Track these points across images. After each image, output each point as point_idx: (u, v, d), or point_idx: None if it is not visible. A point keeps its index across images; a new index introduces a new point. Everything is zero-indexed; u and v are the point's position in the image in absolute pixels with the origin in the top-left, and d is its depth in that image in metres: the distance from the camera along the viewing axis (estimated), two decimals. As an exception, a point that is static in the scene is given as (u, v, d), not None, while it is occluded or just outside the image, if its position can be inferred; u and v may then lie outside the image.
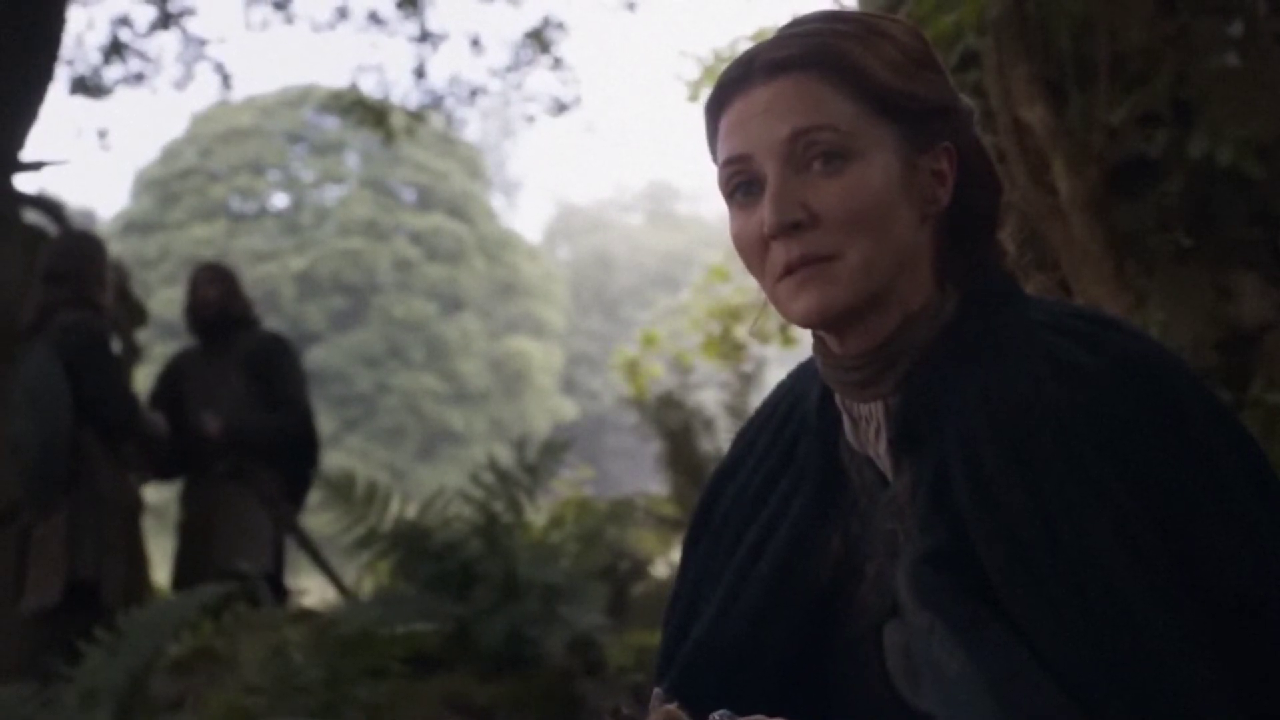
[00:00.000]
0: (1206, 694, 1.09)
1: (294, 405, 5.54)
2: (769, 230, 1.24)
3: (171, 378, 5.60)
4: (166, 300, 21.67)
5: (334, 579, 5.93)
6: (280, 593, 5.43)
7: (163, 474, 5.51)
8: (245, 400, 5.44)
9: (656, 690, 1.27)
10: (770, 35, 1.34)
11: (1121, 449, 1.17)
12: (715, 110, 1.31)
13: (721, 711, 1.17)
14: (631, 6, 10.35)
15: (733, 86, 1.29)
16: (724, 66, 1.32)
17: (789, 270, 1.24)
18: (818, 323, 1.27)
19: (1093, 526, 1.14)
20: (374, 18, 9.98)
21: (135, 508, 4.96)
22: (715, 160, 1.31)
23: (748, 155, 1.26)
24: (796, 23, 1.32)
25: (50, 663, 3.89)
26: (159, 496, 5.39)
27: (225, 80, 10.13)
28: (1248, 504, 1.17)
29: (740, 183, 1.28)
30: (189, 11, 9.65)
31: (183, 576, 5.31)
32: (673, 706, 1.22)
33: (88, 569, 4.58)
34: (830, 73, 1.25)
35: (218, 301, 5.54)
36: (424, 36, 10.01)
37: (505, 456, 4.87)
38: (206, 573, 4.66)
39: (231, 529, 5.30)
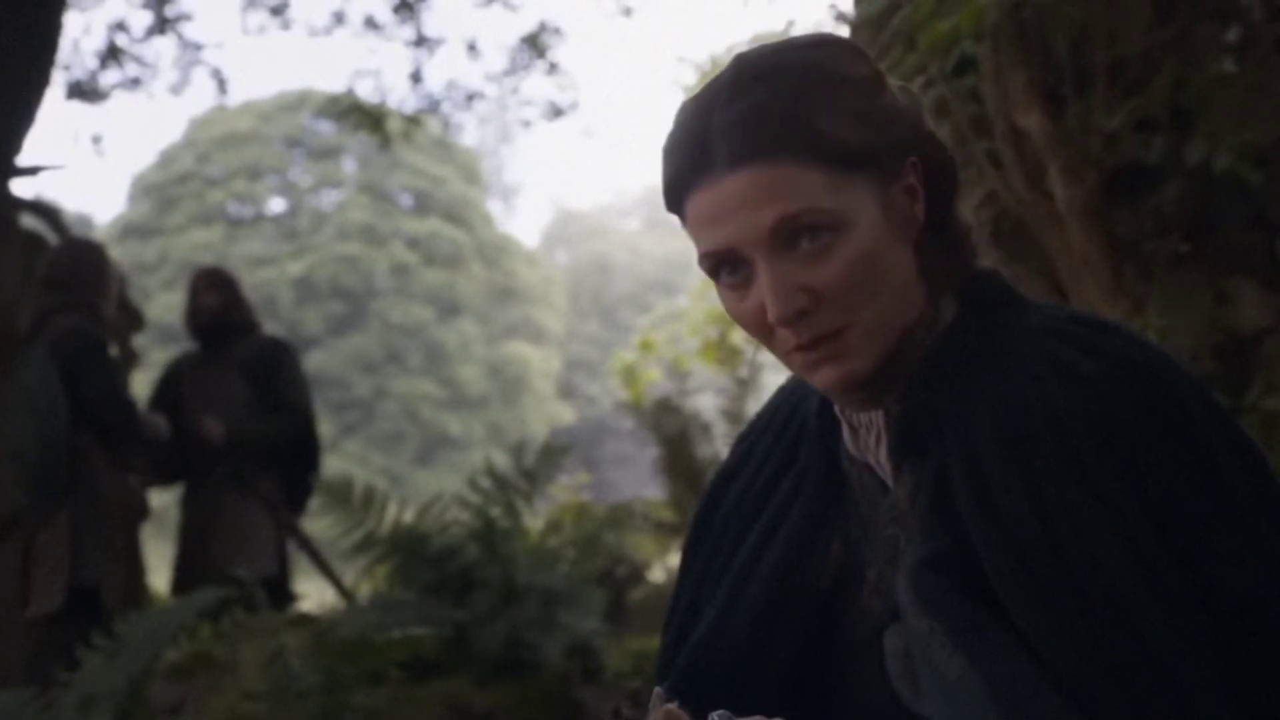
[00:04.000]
0: (1207, 697, 1.10)
1: (295, 410, 5.54)
2: (775, 322, 1.21)
3: (171, 383, 5.59)
4: (165, 305, 21.70)
5: (337, 583, 5.93)
6: (287, 598, 5.43)
7: (163, 478, 5.50)
8: (246, 405, 5.43)
9: (657, 690, 1.27)
10: (728, 62, 1.27)
11: (1122, 452, 1.17)
12: (677, 191, 1.25)
13: (720, 712, 1.18)
14: (628, 12, 10.37)
15: (695, 172, 1.23)
16: (678, 124, 1.26)
17: (801, 350, 1.23)
18: (840, 391, 1.26)
19: (1093, 530, 1.15)
20: (370, 23, 10.00)
21: (137, 512, 4.95)
22: (680, 217, 1.27)
23: (731, 249, 1.22)
24: (743, 86, 1.23)
25: (52, 668, 3.89)
26: (158, 501, 5.38)
27: (222, 85, 10.17)
28: (1248, 507, 1.18)
29: (724, 265, 1.24)
30: (185, 17, 9.68)
31: (182, 582, 5.30)
32: (673, 706, 1.22)
33: (90, 575, 4.58)
34: (798, 152, 1.19)
35: (218, 307, 5.53)
36: (420, 41, 10.02)
37: (503, 461, 4.87)
38: (207, 578, 4.65)
39: (232, 534, 5.29)
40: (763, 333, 1.25)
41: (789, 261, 1.20)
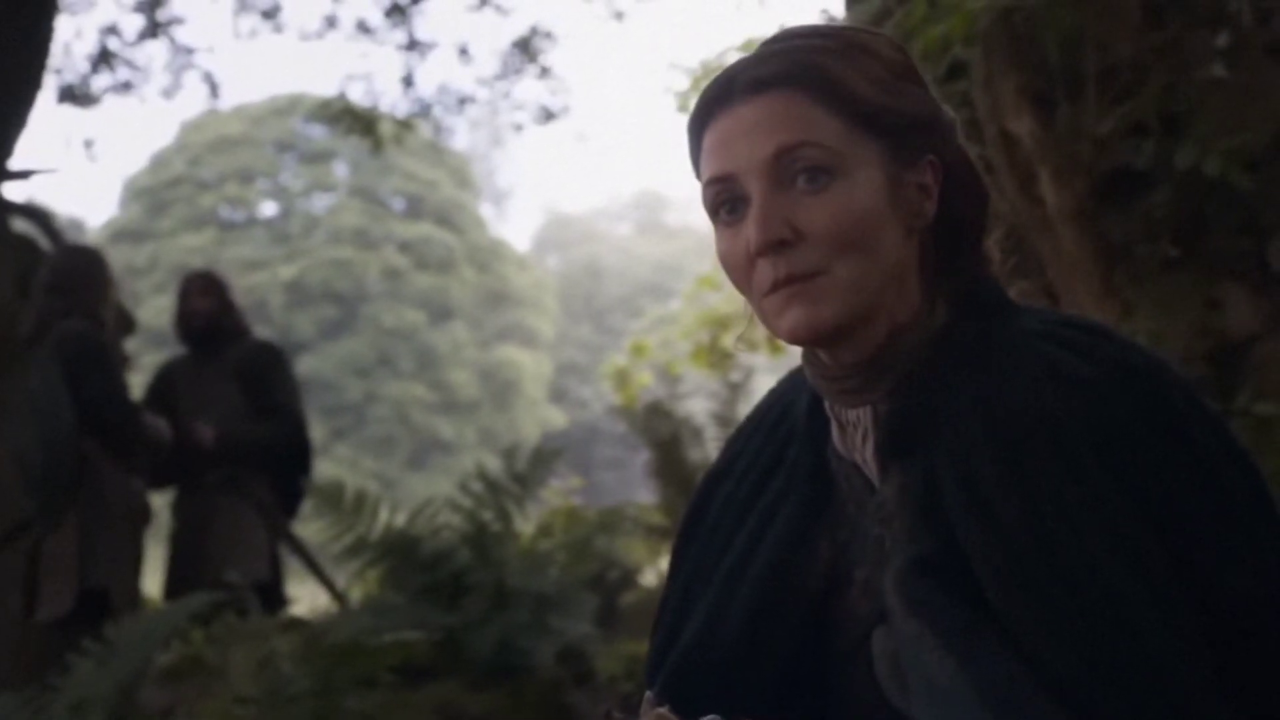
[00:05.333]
0: (1203, 700, 1.10)
1: (287, 414, 5.53)
2: (754, 248, 1.23)
3: (162, 387, 5.58)
4: (156, 309, 21.66)
5: (329, 587, 5.92)
6: (279, 602, 5.42)
7: (156, 482, 5.49)
8: (237, 409, 5.42)
9: (648, 693, 1.27)
10: (756, 46, 1.34)
11: (1117, 455, 1.18)
12: (698, 127, 1.31)
13: (711, 716, 1.18)
14: (620, 16, 10.37)
15: (715, 104, 1.28)
16: (712, 78, 1.32)
17: (775, 288, 1.24)
18: (805, 339, 1.27)
19: (1089, 533, 1.15)
20: (362, 27, 9.99)
21: (142, 515, 4.94)
22: (699, 176, 1.31)
23: (732, 175, 1.26)
24: (778, 38, 1.31)
25: (57, 672, 3.88)
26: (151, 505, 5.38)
27: (214, 89, 10.14)
28: (1243, 510, 1.18)
29: (725, 201, 1.28)
30: (177, 20, 9.66)
31: (174, 586, 5.29)
32: (664, 709, 1.22)
33: (99, 578, 4.57)
34: (813, 89, 1.24)
35: (210, 311, 5.52)
36: (412, 45, 10.01)
37: (494, 466, 4.87)
38: (199, 582, 4.65)
39: (225, 539, 5.28)
40: (745, 272, 1.27)
41: (783, 195, 1.24)
